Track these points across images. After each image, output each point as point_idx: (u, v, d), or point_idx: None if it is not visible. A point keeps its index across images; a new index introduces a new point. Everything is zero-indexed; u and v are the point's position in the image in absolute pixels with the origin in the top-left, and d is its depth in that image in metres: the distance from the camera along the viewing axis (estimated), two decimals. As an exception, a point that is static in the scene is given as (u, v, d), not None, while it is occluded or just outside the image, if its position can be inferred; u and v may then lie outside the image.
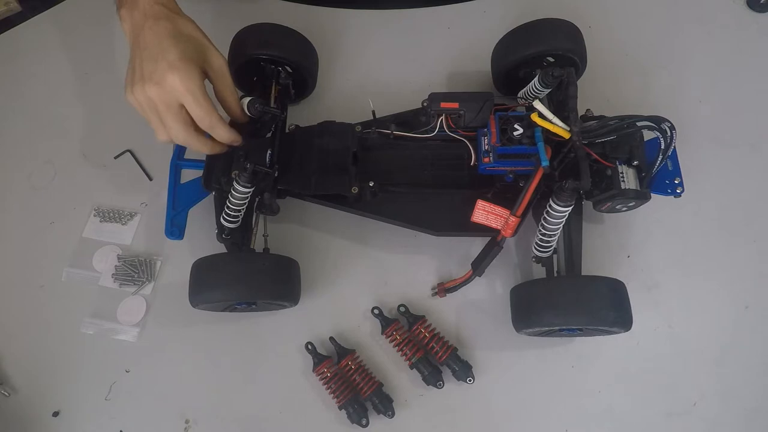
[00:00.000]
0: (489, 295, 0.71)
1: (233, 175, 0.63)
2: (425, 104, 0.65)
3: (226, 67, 0.62)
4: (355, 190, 0.66)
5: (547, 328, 0.61)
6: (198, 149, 0.62)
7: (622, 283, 0.61)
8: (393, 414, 0.64)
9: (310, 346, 0.67)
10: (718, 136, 0.79)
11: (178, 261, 0.73)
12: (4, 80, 0.85)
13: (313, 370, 0.66)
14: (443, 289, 0.69)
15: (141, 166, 0.79)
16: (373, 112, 0.69)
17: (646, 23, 0.87)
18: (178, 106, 0.57)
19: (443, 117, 0.65)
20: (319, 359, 0.66)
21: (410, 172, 0.70)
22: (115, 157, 0.79)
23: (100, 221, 0.76)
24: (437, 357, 0.66)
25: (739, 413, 0.66)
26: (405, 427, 0.65)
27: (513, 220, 0.61)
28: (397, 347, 0.67)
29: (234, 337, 0.70)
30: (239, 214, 0.65)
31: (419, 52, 0.85)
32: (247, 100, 0.65)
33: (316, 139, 0.70)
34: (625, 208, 0.63)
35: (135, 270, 0.72)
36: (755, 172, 0.77)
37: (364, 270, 0.73)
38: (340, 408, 0.64)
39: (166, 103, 0.57)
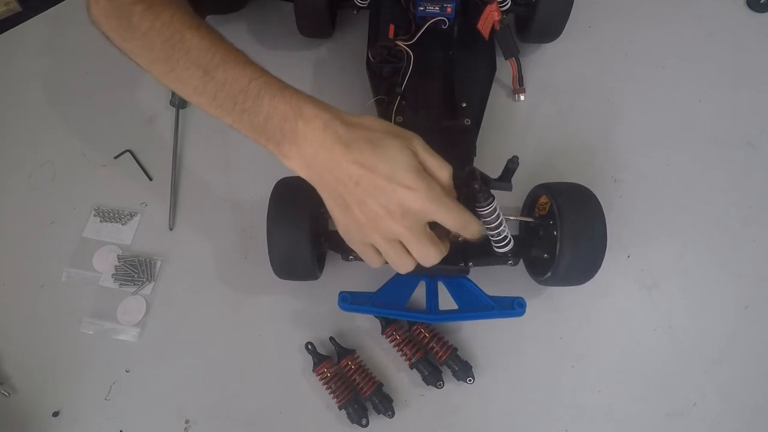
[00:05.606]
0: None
1: None
2: None
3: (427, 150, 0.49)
4: None
5: None
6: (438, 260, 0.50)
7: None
8: (393, 414, 0.64)
9: (310, 346, 0.67)
10: (718, 136, 0.79)
11: (178, 261, 0.73)
12: (4, 80, 0.85)
13: (313, 370, 0.66)
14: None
15: (141, 166, 0.79)
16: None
17: (646, 23, 0.87)
18: (424, 226, 0.48)
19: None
20: (319, 359, 0.66)
21: None
22: (115, 157, 0.79)
23: (100, 221, 0.76)
24: (437, 357, 0.66)
25: (739, 413, 0.66)
26: (405, 427, 0.65)
27: None
28: (397, 347, 0.67)
29: (234, 337, 0.70)
30: None
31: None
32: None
33: None
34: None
35: (135, 270, 0.72)
36: (755, 172, 0.77)
37: (364, 269, 0.72)
38: (340, 408, 0.64)
39: (413, 230, 0.47)
